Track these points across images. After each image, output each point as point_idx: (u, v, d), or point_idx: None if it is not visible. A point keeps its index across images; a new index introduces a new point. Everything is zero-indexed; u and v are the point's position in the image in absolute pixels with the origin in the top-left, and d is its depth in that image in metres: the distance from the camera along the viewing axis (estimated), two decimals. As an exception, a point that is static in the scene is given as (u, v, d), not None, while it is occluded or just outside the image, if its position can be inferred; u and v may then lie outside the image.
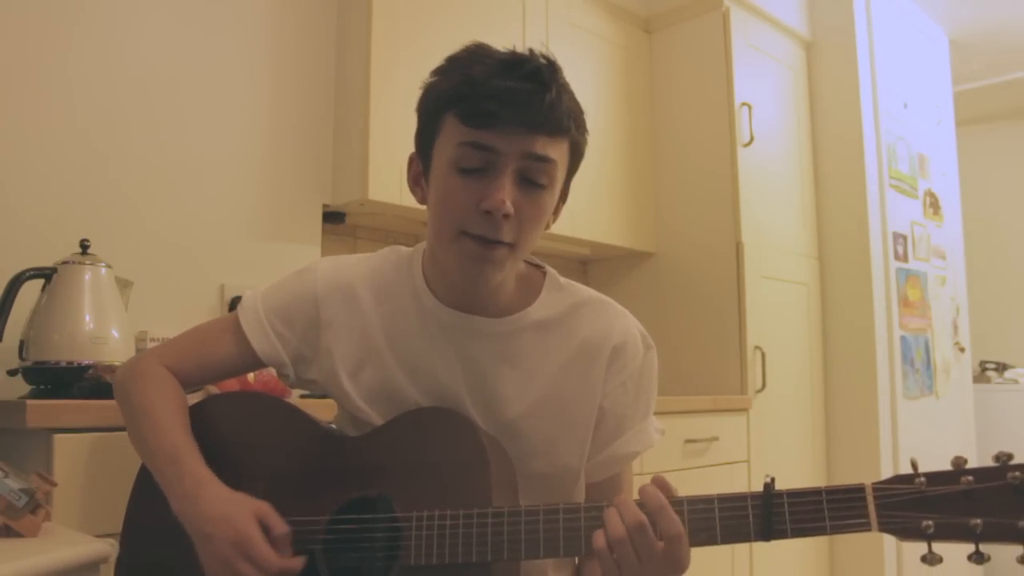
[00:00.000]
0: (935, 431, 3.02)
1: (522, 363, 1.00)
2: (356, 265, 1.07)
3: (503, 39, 2.34)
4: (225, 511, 0.89)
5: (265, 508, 0.92)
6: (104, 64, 1.78)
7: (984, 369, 3.93)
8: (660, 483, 0.84)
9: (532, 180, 0.91)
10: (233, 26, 2.00)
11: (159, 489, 0.99)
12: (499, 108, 0.87)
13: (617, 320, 1.05)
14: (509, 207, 0.89)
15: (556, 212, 1.00)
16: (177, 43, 1.90)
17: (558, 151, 0.92)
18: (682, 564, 0.81)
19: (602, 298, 1.07)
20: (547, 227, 0.98)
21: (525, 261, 1.07)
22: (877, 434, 2.71)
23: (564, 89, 0.91)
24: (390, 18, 2.04)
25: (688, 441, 2.25)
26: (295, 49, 2.10)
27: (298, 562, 0.90)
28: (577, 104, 0.95)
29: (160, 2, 1.88)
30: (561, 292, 1.05)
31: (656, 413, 1.10)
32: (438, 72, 0.94)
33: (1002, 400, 3.71)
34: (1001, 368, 3.93)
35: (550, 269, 1.07)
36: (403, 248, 1.09)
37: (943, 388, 3.15)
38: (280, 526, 0.91)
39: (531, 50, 0.92)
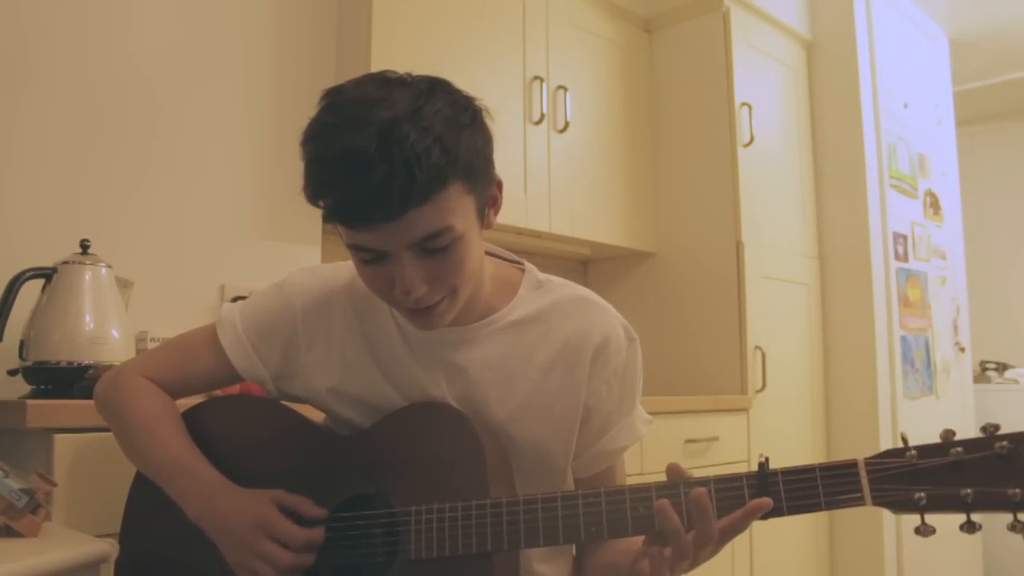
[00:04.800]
0: (935, 431, 2.99)
1: (503, 365, 1.00)
2: (334, 278, 1.06)
3: (503, 39, 2.35)
4: (243, 503, 0.92)
5: (280, 493, 0.94)
6: (104, 64, 1.78)
7: (984, 369, 3.93)
8: (673, 470, 0.85)
9: (432, 249, 0.85)
10: (233, 26, 2.00)
11: (158, 493, 1.00)
12: (357, 214, 0.82)
13: (598, 316, 1.03)
14: (419, 289, 0.86)
15: (495, 206, 0.95)
16: (177, 43, 1.90)
17: (443, 207, 0.83)
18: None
19: (582, 294, 1.05)
20: (489, 226, 0.94)
21: (503, 258, 1.06)
22: (877, 434, 2.71)
23: (417, 143, 0.79)
24: (390, 17, 2.04)
25: (688, 441, 2.25)
26: (295, 49, 2.10)
27: (320, 532, 0.92)
28: (444, 128, 0.82)
29: (160, 2, 1.88)
30: (540, 290, 1.04)
31: (656, 413, 1.10)
32: (303, 147, 0.86)
33: (1002, 400, 3.72)
34: (1001, 368, 3.94)
35: (529, 266, 1.06)
36: None
37: (943, 388, 3.15)
38: (303, 502, 0.93)
39: (372, 107, 0.81)
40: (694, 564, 0.83)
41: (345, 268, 1.07)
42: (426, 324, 0.92)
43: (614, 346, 1.02)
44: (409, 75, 0.88)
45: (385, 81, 0.86)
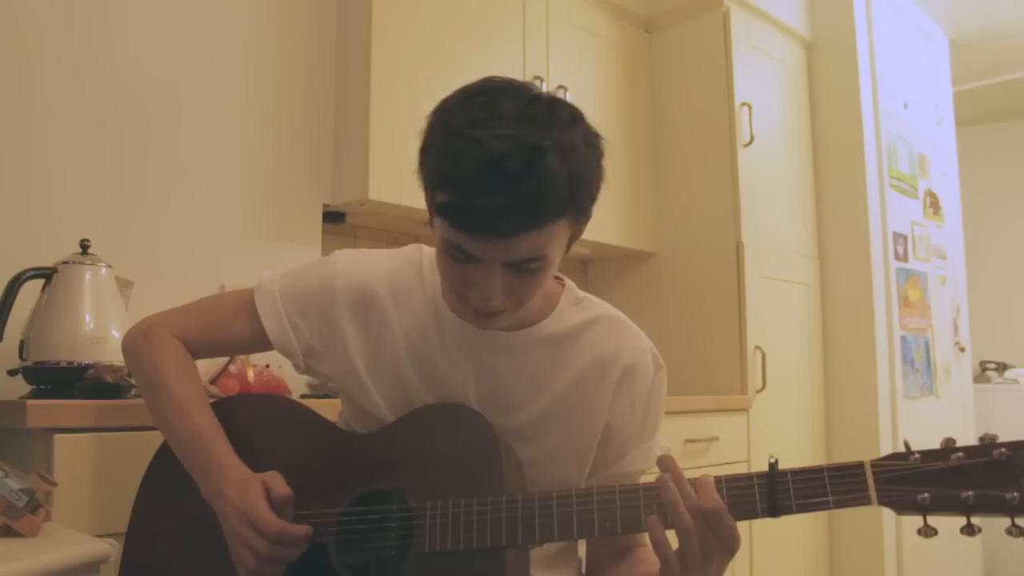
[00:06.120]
0: (935, 431, 3.00)
1: (533, 375, 1.01)
2: (377, 262, 1.07)
3: (503, 38, 2.35)
4: (240, 488, 0.93)
5: (270, 477, 0.95)
6: (104, 64, 1.78)
7: (984, 369, 3.93)
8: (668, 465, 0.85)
9: (523, 270, 0.87)
10: (233, 26, 2.00)
11: (166, 492, 1.02)
12: (474, 223, 0.83)
13: (629, 340, 1.05)
14: (497, 299, 0.88)
15: (578, 237, 0.97)
16: (177, 43, 1.90)
17: (548, 237, 0.86)
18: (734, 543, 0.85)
19: (617, 316, 1.07)
20: (567, 251, 0.96)
21: None
22: (877, 434, 2.71)
23: (555, 175, 0.82)
24: (390, 18, 2.04)
25: (688, 441, 2.25)
26: (295, 49, 2.10)
27: (301, 529, 0.92)
28: (577, 166, 0.85)
29: (161, 2, 1.88)
30: (577, 307, 1.05)
31: (662, 422, 1.10)
32: (435, 125, 0.87)
33: (1002, 400, 3.72)
34: (1001, 368, 3.94)
35: (568, 282, 1.08)
36: (427, 248, 1.08)
37: (943, 388, 3.15)
38: (279, 489, 0.94)
39: (526, 123, 0.82)
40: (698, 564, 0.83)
41: (389, 255, 1.08)
42: (485, 325, 0.94)
43: (641, 371, 1.04)
44: (552, 97, 0.89)
45: (533, 99, 0.86)
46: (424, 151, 0.88)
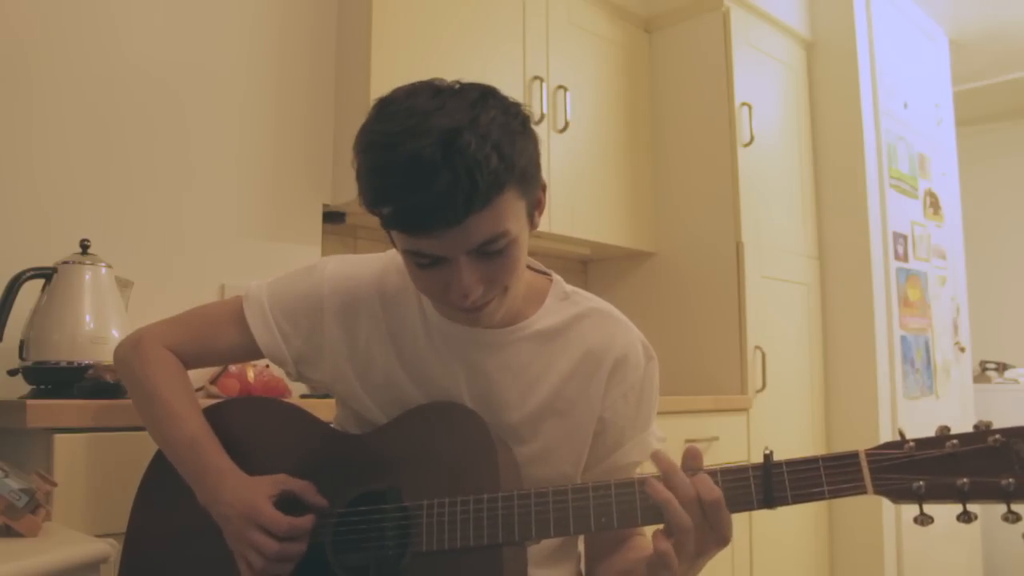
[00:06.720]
0: (935, 431, 3.01)
1: (524, 371, 1.01)
2: (364, 266, 1.07)
3: (503, 38, 2.35)
4: (241, 492, 0.94)
5: (282, 477, 0.97)
6: (104, 64, 1.78)
7: (984, 369, 3.93)
8: (693, 453, 0.87)
9: (489, 252, 0.88)
10: (233, 26, 2.00)
11: (164, 494, 1.02)
12: (420, 222, 0.83)
13: (620, 332, 1.05)
14: (476, 291, 0.88)
15: (539, 208, 0.96)
16: (177, 43, 1.90)
17: (500, 212, 0.85)
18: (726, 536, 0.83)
19: (606, 308, 1.07)
20: (535, 227, 0.96)
21: (532, 268, 1.07)
22: (877, 434, 2.71)
23: (478, 151, 0.81)
24: (390, 17, 2.04)
25: (688, 441, 2.23)
26: (295, 49, 2.10)
27: (306, 520, 0.94)
28: (501, 135, 0.84)
29: (161, 2, 1.88)
30: (566, 301, 1.05)
31: (657, 413, 1.10)
32: (358, 148, 0.87)
33: (1002, 400, 3.72)
34: (1001, 368, 3.94)
35: (556, 277, 1.08)
36: None
37: (943, 388, 3.14)
38: (306, 489, 0.96)
39: (430, 116, 0.83)
40: (700, 545, 0.83)
41: (376, 260, 1.08)
42: (476, 321, 0.94)
43: (632, 362, 1.04)
44: (458, 83, 0.90)
45: (438, 91, 0.87)
46: (358, 176, 0.88)
